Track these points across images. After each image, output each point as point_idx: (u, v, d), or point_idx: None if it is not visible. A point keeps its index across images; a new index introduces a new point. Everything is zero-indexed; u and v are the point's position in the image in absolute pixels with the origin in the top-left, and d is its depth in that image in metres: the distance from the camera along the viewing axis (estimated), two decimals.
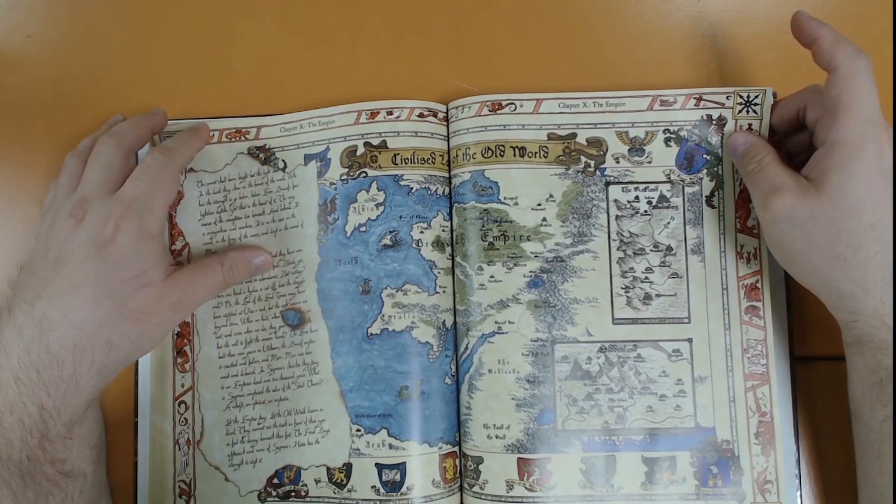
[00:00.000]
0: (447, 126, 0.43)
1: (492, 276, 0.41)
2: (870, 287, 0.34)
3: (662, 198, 0.41)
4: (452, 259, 0.42)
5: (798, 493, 0.40)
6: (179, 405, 0.43)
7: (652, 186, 0.41)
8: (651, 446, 0.40)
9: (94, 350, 0.35)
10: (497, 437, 0.40)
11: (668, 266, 0.41)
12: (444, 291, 0.42)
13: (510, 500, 0.40)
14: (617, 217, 0.41)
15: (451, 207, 0.42)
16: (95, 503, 0.38)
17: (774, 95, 0.40)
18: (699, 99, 0.41)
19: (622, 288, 0.41)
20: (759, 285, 0.40)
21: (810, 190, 0.34)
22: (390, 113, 0.42)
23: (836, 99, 0.34)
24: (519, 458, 0.40)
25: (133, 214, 0.37)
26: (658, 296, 0.41)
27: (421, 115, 0.42)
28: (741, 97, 0.40)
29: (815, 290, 0.36)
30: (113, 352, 0.36)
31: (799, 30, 0.37)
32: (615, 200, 0.41)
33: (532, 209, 0.41)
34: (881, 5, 0.42)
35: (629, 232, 0.41)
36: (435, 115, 0.42)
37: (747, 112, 0.40)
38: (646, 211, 0.41)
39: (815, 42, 0.36)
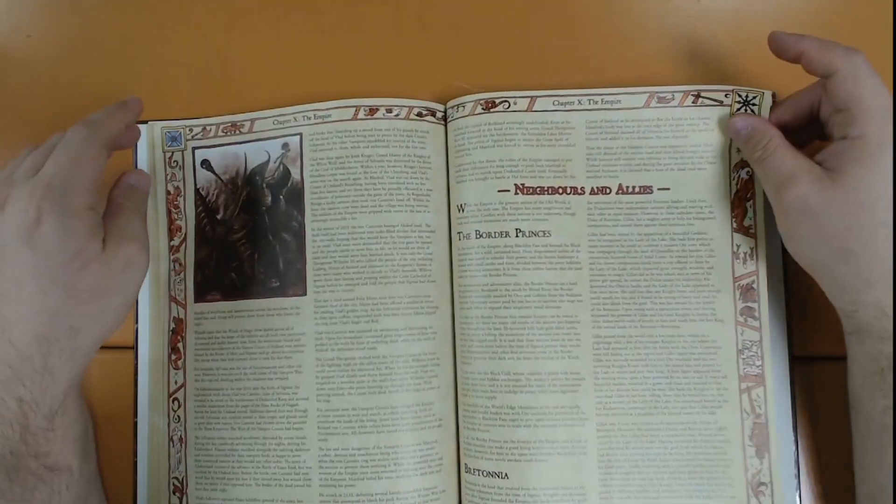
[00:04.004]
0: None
1: None
2: (874, 281, 0.34)
3: None
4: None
5: (797, 494, 0.39)
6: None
7: None
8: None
9: (58, 339, 0.35)
10: None
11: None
12: None
13: None
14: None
15: None
16: (85, 499, 0.37)
17: (774, 97, 0.40)
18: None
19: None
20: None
21: (825, 181, 0.34)
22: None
23: (846, 100, 0.34)
24: None
25: (53, 194, 0.34)
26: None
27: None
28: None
29: (818, 280, 0.36)
30: (80, 335, 0.35)
31: (780, 49, 0.37)
32: None
33: None
34: (881, 5, 0.42)
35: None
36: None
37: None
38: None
39: (803, 55, 0.36)
